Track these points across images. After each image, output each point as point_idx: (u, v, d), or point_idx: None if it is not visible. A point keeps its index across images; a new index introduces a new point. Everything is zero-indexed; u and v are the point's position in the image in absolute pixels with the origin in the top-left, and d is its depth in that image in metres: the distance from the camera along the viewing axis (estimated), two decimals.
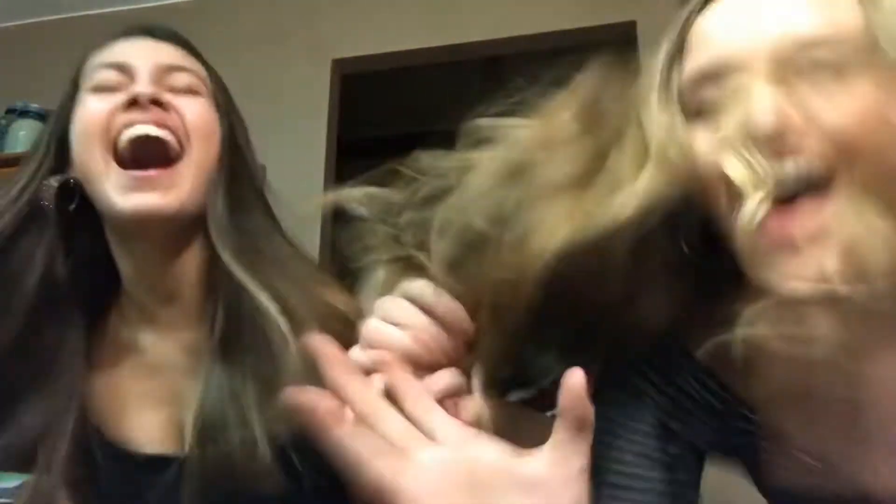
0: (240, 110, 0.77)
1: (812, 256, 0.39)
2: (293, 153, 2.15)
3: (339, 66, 2.30)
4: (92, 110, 0.65)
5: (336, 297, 0.67)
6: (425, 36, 2.26)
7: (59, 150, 0.68)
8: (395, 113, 3.34)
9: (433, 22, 2.26)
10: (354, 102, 2.47)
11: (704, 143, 0.43)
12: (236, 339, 0.63)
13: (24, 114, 2.16)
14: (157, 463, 0.66)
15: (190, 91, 0.69)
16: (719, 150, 0.41)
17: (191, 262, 0.67)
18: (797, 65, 0.41)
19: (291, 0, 2.42)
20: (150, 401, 0.69)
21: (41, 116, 2.17)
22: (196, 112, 0.68)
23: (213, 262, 0.66)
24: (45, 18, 2.61)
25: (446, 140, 0.49)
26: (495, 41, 2.21)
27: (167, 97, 0.66)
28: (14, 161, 2.06)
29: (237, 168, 0.71)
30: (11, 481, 1.66)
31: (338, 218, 0.50)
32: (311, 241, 2.04)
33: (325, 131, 2.18)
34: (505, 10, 2.21)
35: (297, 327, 0.60)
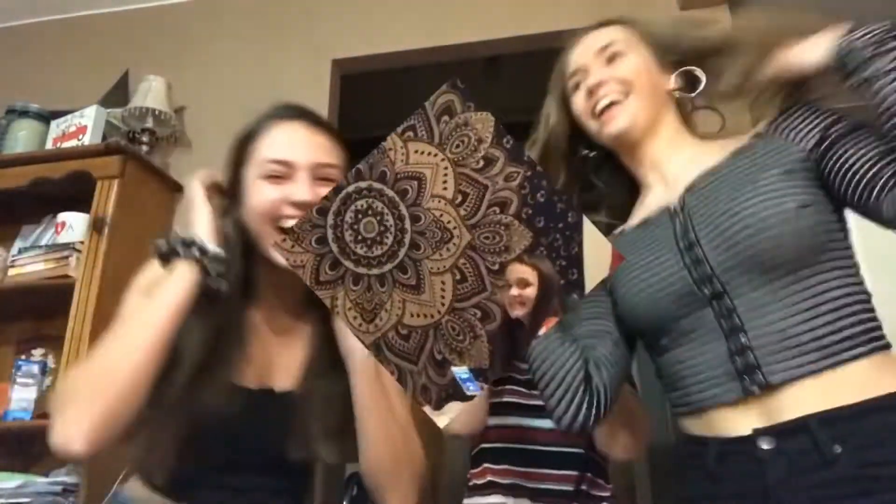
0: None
1: (617, 118, 1.00)
2: None
3: (339, 66, 2.30)
4: (265, 195, 0.95)
5: None
6: (425, 36, 2.26)
7: (234, 189, 1.01)
8: (395, 113, 3.33)
9: (433, 22, 2.26)
10: (354, 102, 2.47)
11: (579, 97, 1.05)
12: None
13: (24, 114, 2.16)
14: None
15: (328, 181, 0.96)
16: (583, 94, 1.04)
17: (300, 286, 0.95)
18: (604, 53, 1.02)
19: (291, 0, 2.42)
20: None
21: (41, 116, 2.17)
22: None
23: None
24: (45, 18, 2.61)
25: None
26: (495, 41, 2.21)
27: (317, 192, 0.93)
28: (14, 161, 2.05)
29: None
30: (12, 481, 1.65)
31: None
32: None
33: None
34: (505, 10, 2.21)
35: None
